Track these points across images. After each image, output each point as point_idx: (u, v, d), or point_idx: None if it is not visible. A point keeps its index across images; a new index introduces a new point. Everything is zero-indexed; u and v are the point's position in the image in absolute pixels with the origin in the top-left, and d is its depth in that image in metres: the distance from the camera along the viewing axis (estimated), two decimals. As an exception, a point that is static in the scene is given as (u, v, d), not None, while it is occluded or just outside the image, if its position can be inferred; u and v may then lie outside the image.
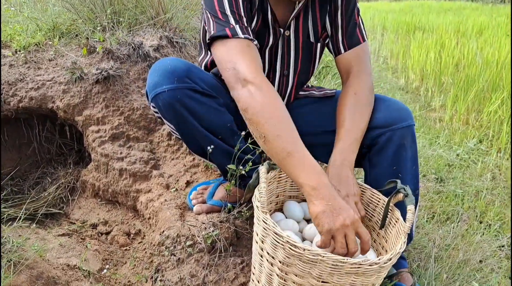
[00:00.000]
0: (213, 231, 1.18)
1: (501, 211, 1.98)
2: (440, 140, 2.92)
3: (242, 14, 1.00)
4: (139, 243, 1.30)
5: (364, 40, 1.17)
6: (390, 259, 0.88)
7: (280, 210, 1.19)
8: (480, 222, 1.85)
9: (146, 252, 1.22)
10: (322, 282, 0.88)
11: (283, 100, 1.24)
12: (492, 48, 5.35)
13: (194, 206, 1.28)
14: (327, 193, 0.88)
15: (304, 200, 1.19)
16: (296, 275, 0.90)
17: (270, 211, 1.17)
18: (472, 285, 1.33)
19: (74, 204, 1.45)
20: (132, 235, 1.33)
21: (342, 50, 1.16)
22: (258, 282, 1.01)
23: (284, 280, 0.93)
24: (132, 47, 1.59)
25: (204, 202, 1.28)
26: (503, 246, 1.64)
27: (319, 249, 0.89)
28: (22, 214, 1.14)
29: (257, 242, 0.97)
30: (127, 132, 1.45)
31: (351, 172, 1.04)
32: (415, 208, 1.12)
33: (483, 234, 1.71)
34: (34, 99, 1.45)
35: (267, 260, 0.94)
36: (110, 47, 1.55)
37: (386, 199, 1.04)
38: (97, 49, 1.55)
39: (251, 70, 0.94)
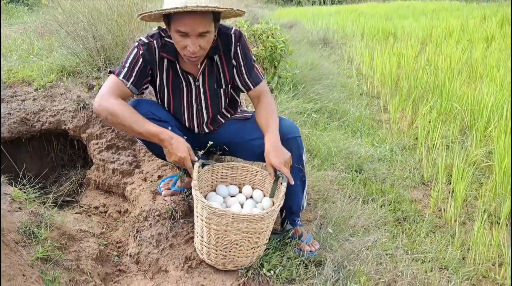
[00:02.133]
0: (173, 206, 1.84)
1: (382, 188, 2.63)
2: (375, 139, 3.57)
3: (133, 72, 1.55)
4: (126, 217, 1.96)
5: (263, 78, 1.75)
6: (267, 213, 1.53)
7: (214, 190, 1.85)
8: (372, 200, 2.50)
9: (130, 221, 1.88)
10: (229, 227, 1.53)
11: (204, 124, 1.80)
12: (443, 56, 5.96)
13: (162, 191, 1.93)
14: (168, 135, 1.52)
15: (230, 184, 1.86)
16: (214, 224, 1.55)
17: (207, 191, 1.83)
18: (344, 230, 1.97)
19: (82, 194, 2.11)
20: (122, 212, 1.99)
21: (252, 87, 1.78)
22: (197, 232, 1.66)
23: (208, 229, 1.58)
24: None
25: (169, 189, 1.94)
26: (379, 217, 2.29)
27: (226, 209, 1.54)
28: (49, 200, 1.79)
29: (195, 208, 1.63)
30: (117, 144, 2.12)
31: (281, 147, 1.61)
32: (303, 190, 1.79)
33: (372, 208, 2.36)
34: (52, 123, 2.11)
35: (199, 217, 1.60)
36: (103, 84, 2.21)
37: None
38: (94, 86, 2.21)
39: (105, 92, 1.52)
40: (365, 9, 16.06)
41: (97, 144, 2.10)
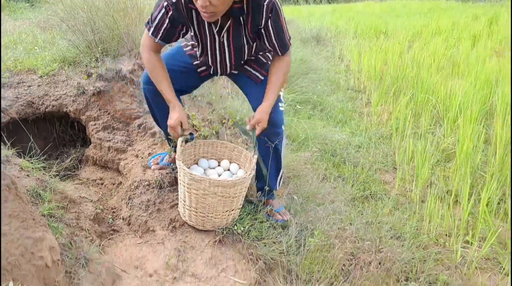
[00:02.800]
0: (160, 177, 2.11)
1: (354, 170, 2.90)
2: (355, 129, 3.83)
3: (160, 30, 1.73)
4: (120, 187, 2.23)
5: (289, 47, 1.82)
6: (239, 180, 1.80)
7: (197, 163, 2.12)
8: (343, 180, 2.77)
9: (123, 190, 2.15)
10: (207, 191, 1.80)
11: (227, 69, 1.95)
12: (428, 53, 6.23)
13: (152, 166, 2.20)
14: (172, 103, 1.80)
15: (210, 158, 2.13)
16: (194, 189, 1.82)
17: (190, 164, 2.09)
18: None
19: (82, 169, 2.37)
20: (116, 184, 2.26)
21: (278, 54, 1.83)
22: (180, 198, 1.93)
23: (189, 193, 1.84)
24: (115, 71, 2.52)
25: (157, 163, 2.21)
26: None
27: (203, 175, 1.81)
28: (52, 170, 2.06)
29: (179, 176, 1.89)
30: (112, 125, 2.38)
31: (267, 114, 1.81)
32: (278, 174, 2.07)
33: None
34: (55, 106, 2.38)
35: (182, 184, 1.86)
36: (101, 72, 2.48)
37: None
38: (92, 74, 2.48)
39: (142, 44, 1.80)
40: (362, 8, 16.32)
41: (94, 125, 2.37)
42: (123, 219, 2.02)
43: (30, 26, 4.03)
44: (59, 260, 1.44)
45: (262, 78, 2.00)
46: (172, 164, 2.19)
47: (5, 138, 2.14)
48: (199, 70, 2.01)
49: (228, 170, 2.10)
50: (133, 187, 2.09)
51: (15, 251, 1.30)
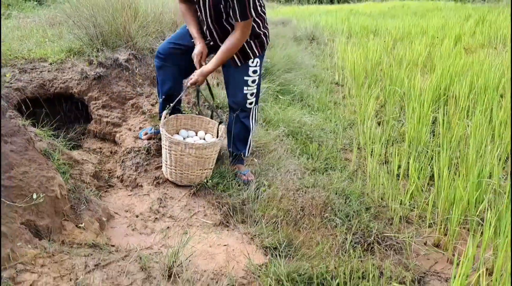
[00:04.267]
0: (148, 145, 2.59)
1: (319, 149, 3.35)
2: (329, 117, 4.29)
3: None
4: (115, 155, 2.71)
5: (246, 18, 2.14)
6: (208, 143, 2.27)
7: (178, 133, 2.60)
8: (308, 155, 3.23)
9: (118, 156, 2.62)
10: (183, 152, 2.27)
11: (214, 34, 2.34)
12: (409, 50, 6.68)
13: (142, 136, 2.68)
14: (195, 39, 2.34)
15: (189, 130, 2.61)
16: (173, 151, 2.29)
17: (172, 133, 2.57)
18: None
19: (84, 141, 2.85)
20: (112, 152, 2.74)
21: (235, 20, 2.17)
22: (163, 159, 2.40)
23: (170, 154, 2.32)
24: (113, 60, 3.00)
25: (146, 133, 2.69)
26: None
27: (180, 139, 2.29)
28: (60, 137, 2.53)
29: (162, 141, 2.36)
30: (110, 104, 2.86)
31: (203, 76, 2.31)
32: (246, 143, 2.54)
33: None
34: (62, 88, 2.86)
35: (164, 147, 2.34)
36: (100, 61, 2.96)
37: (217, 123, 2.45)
38: (94, 62, 2.96)
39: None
40: (361, 8, 16.73)
41: (95, 104, 2.85)
42: (117, 177, 2.50)
43: (40, 23, 4.51)
44: (66, 195, 1.92)
45: (239, 64, 2.38)
46: (158, 132, 2.66)
47: (20, 111, 2.62)
48: None
49: (204, 139, 2.58)
50: (126, 152, 2.57)
51: (34, 184, 1.78)
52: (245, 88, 2.41)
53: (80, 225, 1.88)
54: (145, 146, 2.59)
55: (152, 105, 2.93)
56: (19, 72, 2.83)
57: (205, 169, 2.37)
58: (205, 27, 2.34)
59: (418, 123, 3.43)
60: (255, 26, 2.31)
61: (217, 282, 1.73)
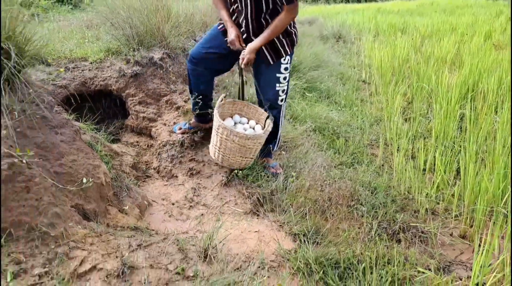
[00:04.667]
0: (182, 139, 2.73)
1: (346, 144, 3.41)
2: (356, 113, 4.35)
3: None
4: (151, 148, 2.87)
5: (293, 2, 2.24)
6: (253, 135, 2.35)
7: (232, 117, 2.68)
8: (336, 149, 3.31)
9: (154, 149, 2.78)
10: (228, 137, 2.32)
11: (250, 28, 2.38)
12: (438, 48, 6.64)
13: (176, 130, 2.83)
14: (227, 25, 2.40)
15: (243, 116, 2.70)
16: (220, 134, 2.34)
17: (226, 116, 2.64)
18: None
19: (122, 135, 3.03)
20: (148, 145, 2.90)
21: (283, 3, 2.25)
22: (212, 140, 2.47)
23: (217, 135, 2.37)
24: (148, 59, 3.17)
25: (180, 128, 2.83)
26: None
27: (228, 125, 2.37)
28: (101, 131, 2.71)
29: (214, 124, 2.42)
30: (146, 100, 3.03)
31: (253, 52, 2.35)
32: (275, 141, 2.65)
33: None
34: (102, 85, 3.04)
35: (214, 129, 2.39)
36: (137, 59, 3.13)
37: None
38: (130, 61, 3.13)
39: None
40: (389, 6, 16.57)
41: (132, 100, 3.02)
42: (154, 168, 2.66)
43: (77, 25, 4.75)
44: (109, 182, 2.08)
45: (272, 62, 2.46)
46: (192, 127, 2.80)
47: (64, 107, 2.82)
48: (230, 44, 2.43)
49: (253, 129, 2.64)
50: (161, 146, 2.72)
51: (82, 171, 1.94)
52: (277, 85, 2.50)
53: (124, 208, 2.04)
54: (179, 139, 2.74)
55: (185, 101, 3.08)
56: (65, 71, 3.02)
57: (245, 158, 2.46)
58: (241, 18, 2.38)
59: (445, 118, 3.46)
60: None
61: (249, 264, 1.84)
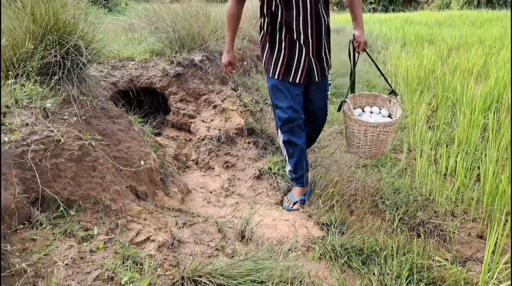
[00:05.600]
0: (219, 134, 2.97)
1: None
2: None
3: None
4: (190, 142, 3.12)
5: None
6: (395, 120, 2.37)
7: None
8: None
9: (193, 142, 3.03)
10: (366, 132, 2.35)
11: (307, 16, 2.17)
12: (466, 59, 6.73)
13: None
14: (226, 47, 2.39)
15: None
16: (358, 130, 2.45)
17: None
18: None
19: (163, 129, 3.29)
20: (187, 139, 3.16)
21: None
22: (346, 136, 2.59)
23: (352, 132, 2.57)
24: (189, 60, 3.43)
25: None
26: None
27: (364, 120, 2.37)
28: (147, 124, 2.97)
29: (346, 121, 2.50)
30: (187, 98, 3.29)
31: (364, 36, 2.31)
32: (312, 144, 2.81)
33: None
34: (147, 83, 3.31)
35: (352, 129, 2.51)
36: (179, 61, 3.40)
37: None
38: (173, 62, 3.40)
39: (229, 1, 2.29)
40: (416, 17, 16.61)
41: (174, 98, 3.28)
42: (192, 160, 2.90)
43: (119, 27, 5.08)
44: (157, 168, 2.33)
45: (321, 78, 2.40)
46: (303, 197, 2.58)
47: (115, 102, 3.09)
48: (290, 71, 2.31)
49: (380, 113, 2.60)
50: (200, 140, 2.97)
51: (136, 157, 2.20)
52: (327, 102, 2.56)
53: (169, 192, 2.28)
54: (216, 135, 2.98)
55: (222, 101, 3.33)
56: (111, 69, 3.32)
57: (383, 147, 2.41)
58: (300, 21, 2.18)
59: (468, 127, 3.60)
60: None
61: (281, 246, 2.06)
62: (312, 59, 2.29)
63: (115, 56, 3.51)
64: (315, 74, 2.34)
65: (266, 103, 3.59)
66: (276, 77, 2.32)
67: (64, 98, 2.07)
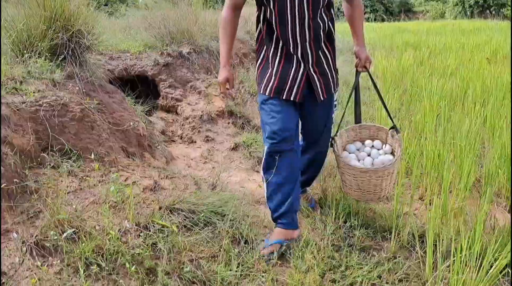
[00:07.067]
0: (201, 114, 3.43)
1: None
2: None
3: None
4: (176, 122, 3.57)
5: None
6: (388, 165, 2.00)
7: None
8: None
9: (179, 122, 3.48)
10: (356, 176, 2.02)
11: (307, 44, 1.88)
12: (441, 61, 7.22)
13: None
14: (222, 62, 2.00)
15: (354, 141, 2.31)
16: (348, 173, 2.10)
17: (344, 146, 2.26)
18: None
19: (154, 112, 3.75)
20: (175, 120, 3.61)
21: None
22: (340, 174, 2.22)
23: (343, 174, 2.23)
24: (178, 52, 3.90)
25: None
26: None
27: (362, 166, 2.08)
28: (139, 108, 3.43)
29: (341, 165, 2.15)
30: (174, 84, 3.75)
31: (367, 52, 2.11)
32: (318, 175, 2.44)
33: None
34: (140, 71, 3.78)
35: (342, 171, 2.14)
36: (169, 52, 3.87)
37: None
38: (164, 53, 3.87)
39: (224, 9, 1.97)
40: (410, 26, 17.19)
41: (163, 84, 3.75)
42: (178, 136, 3.36)
43: (118, 27, 5.56)
44: (145, 135, 2.78)
45: (322, 99, 2.00)
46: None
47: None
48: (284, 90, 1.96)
49: (373, 146, 2.28)
50: (184, 119, 3.43)
51: (127, 123, 2.65)
52: (331, 126, 2.18)
53: (155, 155, 2.73)
54: (200, 114, 3.43)
55: (206, 87, 3.79)
56: (109, 59, 3.78)
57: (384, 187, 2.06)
58: (296, 33, 1.88)
59: (425, 115, 4.06)
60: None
61: (243, 195, 2.50)
62: (314, 75, 1.95)
63: (113, 48, 3.98)
64: (319, 91, 1.98)
65: (248, 92, 4.05)
66: (267, 93, 1.98)
67: (68, 73, 2.53)
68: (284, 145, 1.94)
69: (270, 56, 1.97)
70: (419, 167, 3.01)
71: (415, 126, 3.98)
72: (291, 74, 1.94)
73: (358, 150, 2.26)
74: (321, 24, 1.90)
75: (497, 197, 2.64)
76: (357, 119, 2.28)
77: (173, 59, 3.85)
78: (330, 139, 2.17)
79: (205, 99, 3.69)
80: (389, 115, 2.20)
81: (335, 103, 2.18)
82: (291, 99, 1.95)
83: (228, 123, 3.51)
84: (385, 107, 2.23)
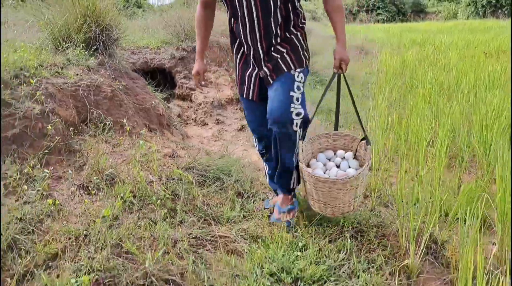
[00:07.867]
0: (213, 100, 3.87)
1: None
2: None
3: None
4: (191, 108, 4.02)
5: None
6: (347, 178, 1.78)
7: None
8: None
9: (193, 108, 3.93)
10: (316, 185, 1.84)
11: (255, 27, 1.84)
12: (442, 57, 7.55)
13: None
14: (196, 56, 2.15)
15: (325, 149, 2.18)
16: (309, 181, 1.88)
17: (309, 159, 2.12)
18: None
19: (170, 101, 4.21)
20: (189, 107, 4.06)
21: None
22: (309, 192, 1.95)
23: (305, 182, 1.93)
24: (192, 47, 4.35)
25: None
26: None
27: (322, 175, 1.90)
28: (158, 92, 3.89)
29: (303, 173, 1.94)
30: (188, 75, 4.20)
31: (345, 52, 1.92)
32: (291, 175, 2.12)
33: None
34: (158, 64, 4.24)
35: (304, 178, 1.94)
36: (183, 47, 4.32)
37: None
38: (179, 48, 4.33)
39: (197, 7, 2.06)
40: (421, 26, 17.45)
41: (179, 75, 4.20)
42: (192, 119, 3.81)
43: (138, 27, 6.06)
44: (165, 115, 3.23)
45: (271, 81, 1.93)
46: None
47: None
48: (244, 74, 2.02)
49: (343, 157, 2.14)
50: (198, 105, 3.87)
51: (148, 104, 3.10)
52: (289, 106, 1.88)
53: (172, 132, 3.17)
54: (211, 101, 3.88)
55: (216, 78, 4.24)
56: (131, 53, 4.26)
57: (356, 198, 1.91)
58: (246, 34, 1.89)
59: (417, 101, 4.43)
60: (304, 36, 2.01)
61: (247, 163, 2.92)
62: (267, 71, 1.94)
63: (134, 44, 4.46)
64: (269, 79, 1.94)
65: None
66: (239, 92, 2.15)
67: (99, 62, 3.00)
68: (263, 136, 2.14)
69: (234, 56, 2.08)
70: (406, 144, 3.41)
71: (408, 111, 4.36)
72: (247, 74, 2.01)
73: (329, 159, 2.15)
74: (280, 20, 1.88)
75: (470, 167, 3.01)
76: (335, 126, 2.20)
77: (187, 53, 4.31)
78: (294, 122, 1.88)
79: (216, 88, 4.13)
80: (361, 124, 2.04)
81: (299, 83, 1.91)
82: (250, 98, 2.05)
83: (236, 109, 3.95)
84: (357, 114, 2.09)
